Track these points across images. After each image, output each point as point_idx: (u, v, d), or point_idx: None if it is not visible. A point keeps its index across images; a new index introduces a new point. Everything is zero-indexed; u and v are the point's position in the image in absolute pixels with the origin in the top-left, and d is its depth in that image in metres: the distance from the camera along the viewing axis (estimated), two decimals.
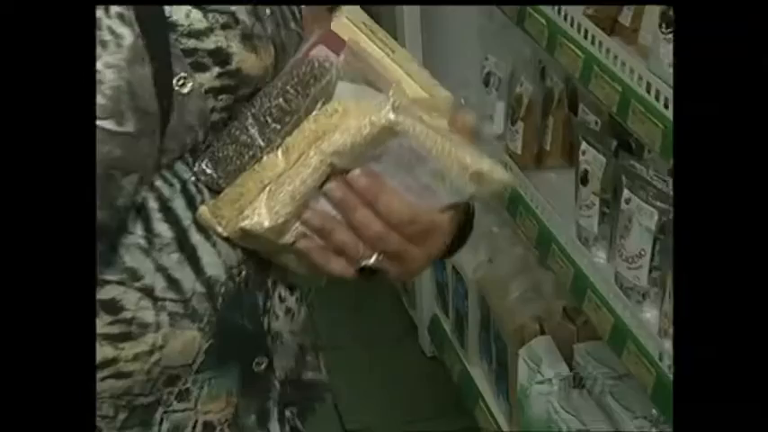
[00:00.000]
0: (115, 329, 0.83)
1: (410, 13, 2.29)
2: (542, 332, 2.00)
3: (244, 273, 0.87)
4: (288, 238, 0.83)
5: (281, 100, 0.83)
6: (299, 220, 0.82)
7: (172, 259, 0.83)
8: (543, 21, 1.71)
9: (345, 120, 0.80)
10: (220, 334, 0.87)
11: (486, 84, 2.18)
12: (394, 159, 0.81)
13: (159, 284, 0.83)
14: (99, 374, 0.82)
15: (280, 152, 0.81)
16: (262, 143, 0.83)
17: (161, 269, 0.83)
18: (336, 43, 0.85)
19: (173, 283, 0.84)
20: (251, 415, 0.93)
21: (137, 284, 0.82)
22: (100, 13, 0.78)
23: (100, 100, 0.76)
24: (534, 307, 2.05)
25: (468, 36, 2.22)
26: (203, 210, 0.84)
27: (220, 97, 0.84)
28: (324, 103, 0.82)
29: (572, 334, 1.95)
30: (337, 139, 0.79)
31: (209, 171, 0.84)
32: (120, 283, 0.82)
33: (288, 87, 0.83)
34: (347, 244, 0.84)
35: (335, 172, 0.81)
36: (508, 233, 2.19)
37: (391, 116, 0.78)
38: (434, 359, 2.55)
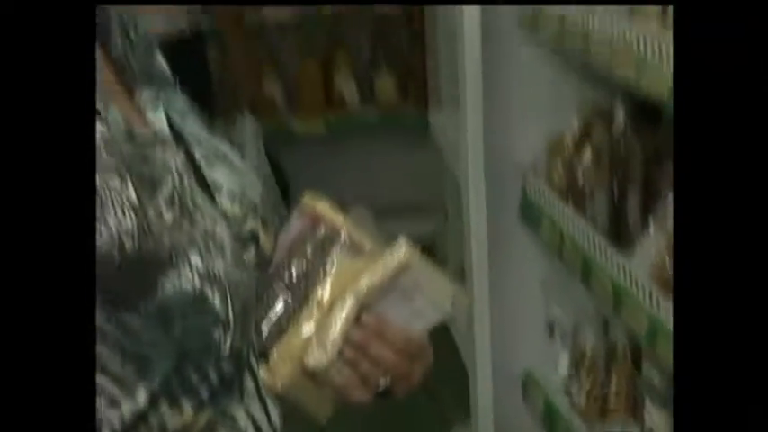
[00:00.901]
0: None
1: (478, 257, 2.38)
2: None
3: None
4: (332, 373, 0.99)
5: (303, 266, 1.00)
6: (339, 358, 0.98)
7: (255, 408, 0.99)
8: (609, 282, 1.77)
9: (363, 267, 0.99)
10: None
11: (551, 332, 2.24)
12: (401, 290, 0.99)
13: (249, 429, 0.98)
14: None
15: (314, 307, 0.99)
16: (295, 305, 0.99)
17: (250, 416, 0.98)
18: (315, 218, 1.04)
19: (257, 429, 0.99)
20: None
21: (235, 430, 0.97)
22: (224, 228, 0.96)
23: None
24: None
25: (532, 286, 2.30)
26: (261, 372, 0.99)
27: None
28: (334, 261, 1.00)
29: None
30: (368, 281, 0.98)
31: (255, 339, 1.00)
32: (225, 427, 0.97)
33: (308, 253, 1.00)
34: (368, 373, 0.99)
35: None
36: None
37: (408, 255, 0.99)
38: None
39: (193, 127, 1.03)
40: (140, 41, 1.04)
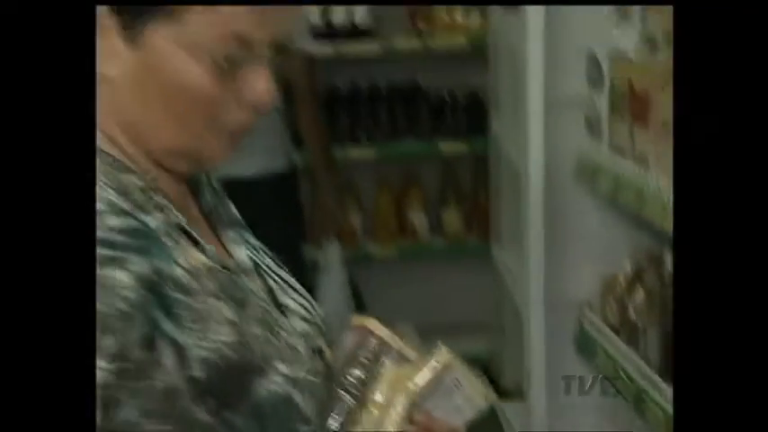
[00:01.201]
0: None
1: (537, 384, 2.57)
2: None
3: None
4: None
5: (359, 372, 1.17)
6: None
7: None
8: (661, 413, 1.94)
9: (411, 372, 1.14)
10: None
11: None
12: (444, 389, 1.14)
13: None
14: None
15: (371, 406, 1.14)
16: (356, 407, 1.14)
17: None
18: (366, 332, 1.19)
19: None
20: None
21: None
22: (300, 342, 1.15)
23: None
24: None
25: (588, 413, 2.46)
26: None
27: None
28: (386, 368, 1.16)
29: None
30: (416, 383, 1.14)
31: None
32: None
33: (365, 361, 1.18)
34: None
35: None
36: None
37: (449, 358, 1.15)
38: None
39: (266, 260, 1.23)
40: (221, 192, 1.25)
